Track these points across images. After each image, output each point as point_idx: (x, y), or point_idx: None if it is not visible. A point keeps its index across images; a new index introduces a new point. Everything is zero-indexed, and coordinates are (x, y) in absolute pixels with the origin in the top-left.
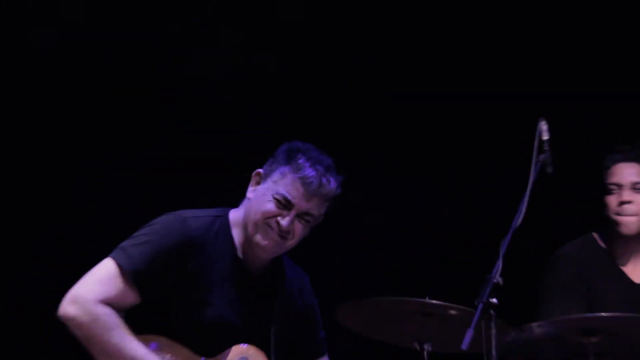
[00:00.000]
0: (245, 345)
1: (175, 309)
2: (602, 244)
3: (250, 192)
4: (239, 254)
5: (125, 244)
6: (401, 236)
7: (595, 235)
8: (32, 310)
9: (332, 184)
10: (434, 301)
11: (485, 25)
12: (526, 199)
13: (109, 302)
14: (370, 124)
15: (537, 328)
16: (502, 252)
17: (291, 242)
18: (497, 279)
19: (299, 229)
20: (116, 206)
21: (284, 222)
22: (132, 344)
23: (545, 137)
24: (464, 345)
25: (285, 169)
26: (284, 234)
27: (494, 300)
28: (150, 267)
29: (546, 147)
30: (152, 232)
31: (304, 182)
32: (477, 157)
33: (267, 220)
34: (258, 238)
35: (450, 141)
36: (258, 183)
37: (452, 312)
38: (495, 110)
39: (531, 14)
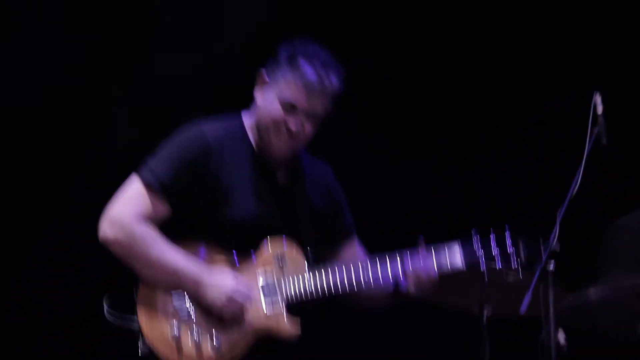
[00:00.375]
0: (280, 242)
1: (206, 215)
2: None
3: (258, 96)
4: (258, 153)
5: (149, 160)
6: (461, 203)
7: None
8: (32, 311)
9: (334, 82)
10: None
11: None
12: (582, 168)
13: (144, 218)
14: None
15: (594, 293)
16: (559, 219)
17: (303, 141)
18: (555, 245)
19: (308, 128)
20: None
21: (293, 126)
22: (172, 254)
23: (600, 109)
24: (522, 310)
25: (288, 75)
26: (294, 136)
27: (552, 265)
28: (174, 178)
29: (600, 120)
30: (171, 145)
31: (307, 86)
32: (534, 128)
33: (277, 126)
34: (271, 141)
35: (507, 114)
36: (263, 84)
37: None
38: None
39: None
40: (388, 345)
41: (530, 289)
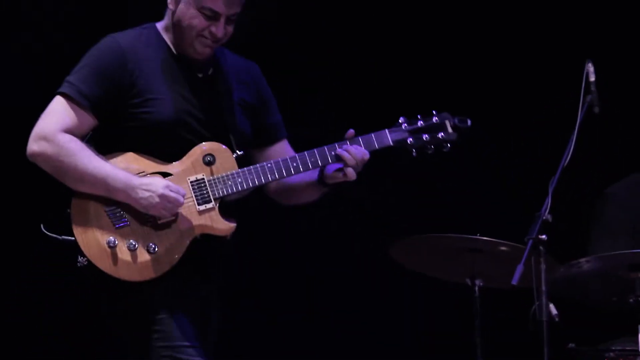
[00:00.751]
0: (208, 142)
1: (131, 120)
2: None
3: (172, 4)
4: (176, 52)
5: (68, 77)
6: (451, 175)
7: None
8: (32, 310)
9: None
10: (485, 238)
11: None
12: (574, 138)
13: (68, 131)
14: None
15: (585, 263)
16: (550, 190)
17: (224, 41)
18: (546, 216)
19: (230, 30)
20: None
21: (218, 32)
22: (98, 162)
23: (592, 78)
24: (514, 281)
25: None
26: (218, 40)
27: (543, 236)
28: (94, 86)
29: (593, 88)
30: (87, 57)
31: None
32: (525, 97)
33: (201, 35)
34: (195, 48)
35: (496, 82)
36: None
37: (503, 248)
38: (541, 50)
39: None
40: (381, 319)
41: (522, 261)
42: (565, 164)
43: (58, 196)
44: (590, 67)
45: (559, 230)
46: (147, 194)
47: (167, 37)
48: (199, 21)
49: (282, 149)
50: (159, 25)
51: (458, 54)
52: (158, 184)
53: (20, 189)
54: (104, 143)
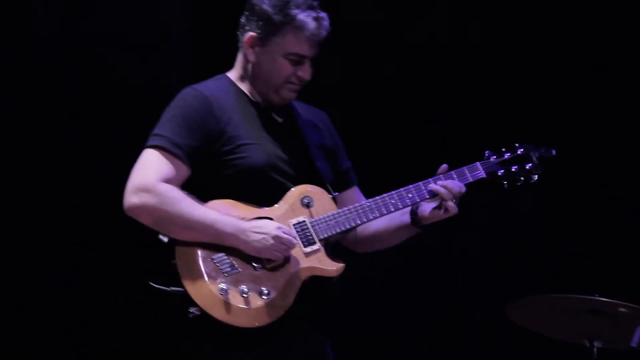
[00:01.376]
0: (304, 185)
1: (225, 167)
2: None
3: (251, 55)
4: (255, 100)
5: (154, 130)
6: (571, 234)
7: None
8: (32, 310)
9: (327, 21)
10: (604, 299)
11: None
12: None
13: (167, 181)
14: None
15: None
16: None
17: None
18: None
19: (312, 71)
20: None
21: (306, 75)
22: (203, 209)
23: None
24: (634, 343)
25: (285, 29)
26: (305, 83)
27: None
28: (185, 136)
29: None
30: (172, 108)
31: (312, 35)
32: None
33: (289, 80)
34: (282, 95)
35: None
36: (254, 46)
37: (622, 309)
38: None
39: None
40: None
41: None
42: None
43: (159, 248)
44: None
45: None
46: (259, 236)
47: (243, 86)
48: (286, 68)
49: (355, 195)
50: (232, 75)
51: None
52: (270, 226)
53: (20, 189)
54: (200, 193)
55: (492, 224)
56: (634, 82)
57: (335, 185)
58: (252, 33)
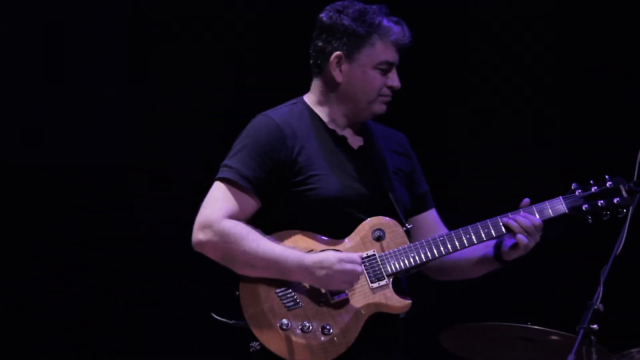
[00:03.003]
0: (376, 217)
1: (295, 198)
2: None
3: (338, 76)
4: (331, 127)
5: (225, 161)
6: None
7: None
8: (32, 311)
9: (406, 24)
10: (536, 327)
11: None
12: (626, 227)
13: (232, 216)
14: None
15: (637, 354)
16: (602, 278)
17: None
18: (598, 305)
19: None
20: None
21: (396, 82)
22: (267, 244)
23: None
24: None
25: (372, 38)
26: (396, 90)
27: (595, 326)
28: (255, 168)
29: None
30: (243, 138)
31: (398, 40)
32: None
33: (381, 92)
34: (373, 109)
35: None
36: (341, 64)
37: (554, 337)
38: None
39: None
40: None
41: (573, 351)
42: (617, 253)
43: (226, 280)
44: None
45: (610, 320)
46: (322, 272)
47: (319, 111)
48: (378, 79)
49: (430, 219)
50: (308, 100)
51: None
52: (331, 259)
53: (20, 189)
54: (269, 224)
55: None
56: None
57: (411, 210)
58: (337, 52)
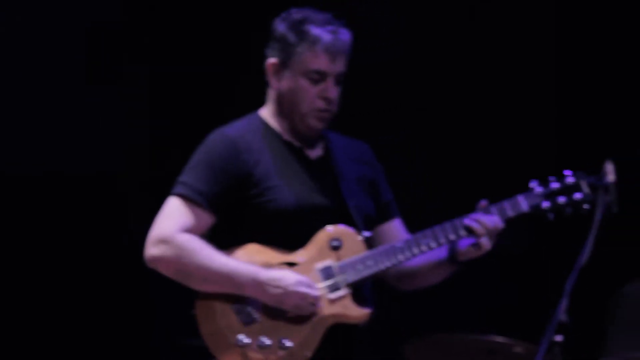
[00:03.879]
0: (333, 226)
1: (251, 211)
2: None
3: (275, 83)
4: (286, 138)
5: (180, 177)
6: (467, 273)
7: None
8: (32, 310)
9: (347, 35)
10: (499, 339)
11: None
12: (592, 238)
13: (187, 232)
14: None
15: None
16: (567, 290)
17: (335, 106)
18: (562, 316)
19: (338, 90)
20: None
21: (330, 92)
22: (221, 259)
23: (612, 179)
24: None
25: (302, 47)
26: (332, 104)
27: (559, 337)
28: (209, 183)
29: (612, 188)
30: (197, 154)
31: (327, 49)
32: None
33: (311, 101)
34: (309, 123)
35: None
36: (276, 72)
37: (517, 349)
38: None
39: None
40: None
41: None
42: (583, 263)
43: (182, 299)
44: (609, 167)
45: (575, 331)
46: (278, 290)
47: (274, 123)
48: (308, 89)
49: (394, 228)
50: (263, 113)
51: None
52: (289, 280)
53: (19, 189)
54: (224, 238)
55: None
56: None
57: (375, 219)
58: (272, 59)
